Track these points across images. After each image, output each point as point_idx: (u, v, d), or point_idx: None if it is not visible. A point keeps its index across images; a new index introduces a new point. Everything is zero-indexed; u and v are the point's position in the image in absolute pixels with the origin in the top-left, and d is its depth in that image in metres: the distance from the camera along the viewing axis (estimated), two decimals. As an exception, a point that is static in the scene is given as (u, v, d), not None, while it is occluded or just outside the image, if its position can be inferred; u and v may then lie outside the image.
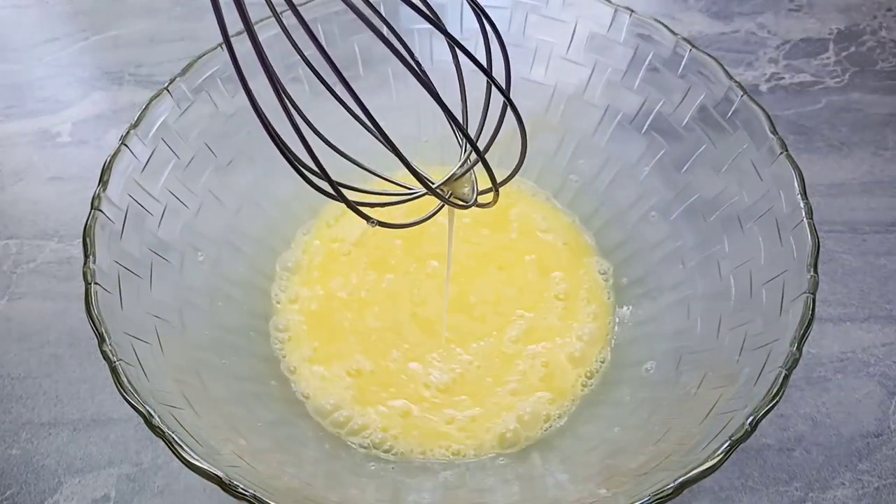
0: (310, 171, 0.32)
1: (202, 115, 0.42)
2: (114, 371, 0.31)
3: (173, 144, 0.40)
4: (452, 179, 0.33)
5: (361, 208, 0.32)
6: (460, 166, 0.33)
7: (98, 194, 0.35)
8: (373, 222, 0.33)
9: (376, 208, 0.34)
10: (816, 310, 0.33)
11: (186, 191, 0.41)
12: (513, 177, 0.35)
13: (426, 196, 0.33)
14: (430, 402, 0.43)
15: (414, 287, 0.48)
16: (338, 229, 0.51)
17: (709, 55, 0.42)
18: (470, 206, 0.34)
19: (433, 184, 0.32)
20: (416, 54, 0.48)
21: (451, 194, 0.34)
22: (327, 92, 0.48)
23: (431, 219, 0.35)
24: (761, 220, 0.38)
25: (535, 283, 0.48)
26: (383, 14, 0.46)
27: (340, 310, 0.47)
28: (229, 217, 0.45)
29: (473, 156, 0.32)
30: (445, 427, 0.42)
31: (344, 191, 0.32)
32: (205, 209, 0.43)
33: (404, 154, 0.32)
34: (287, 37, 0.31)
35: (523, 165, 0.52)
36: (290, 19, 0.44)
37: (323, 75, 0.48)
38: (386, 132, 0.32)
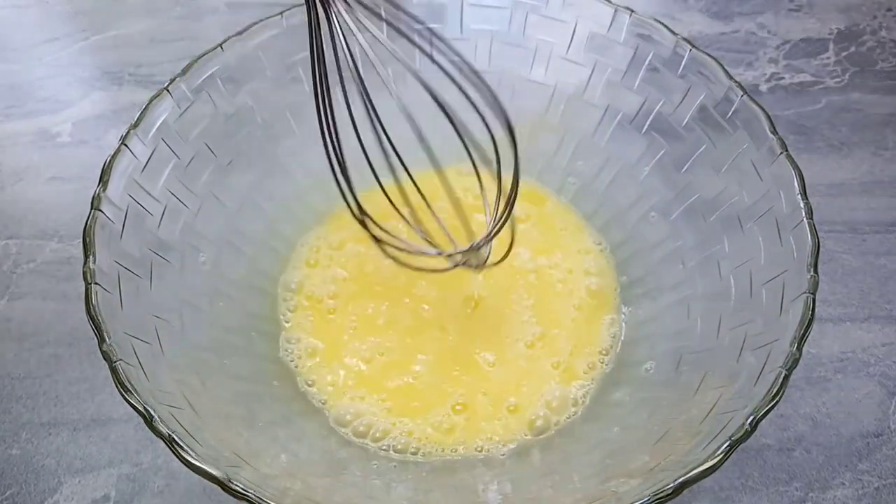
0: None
1: (202, 115, 0.42)
2: (114, 371, 0.31)
3: (173, 144, 0.40)
4: (473, 249, 0.39)
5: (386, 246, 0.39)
6: (482, 239, 0.39)
7: (98, 194, 0.35)
8: (389, 255, 0.39)
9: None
10: (816, 310, 0.33)
11: (186, 191, 0.41)
12: (504, 259, 0.40)
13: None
14: (462, 398, 0.43)
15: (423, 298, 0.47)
16: (337, 237, 0.50)
17: (709, 55, 0.42)
18: (474, 267, 0.41)
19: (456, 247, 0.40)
20: (416, 55, 0.48)
21: (466, 261, 0.40)
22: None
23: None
24: (761, 220, 0.38)
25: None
26: (383, 17, 0.47)
27: (351, 317, 0.46)
28: (229, 217, 0.45)
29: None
30: (480, 423, 0.43)
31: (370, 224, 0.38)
32: (205, 209, 0.43)
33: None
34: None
35: (524, 166, 0.52)
36: (292, 18, 0.45)
37: (322, 78, 0.48)
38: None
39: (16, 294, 0.50)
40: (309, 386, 0.44)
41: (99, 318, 0.32)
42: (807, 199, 0.36)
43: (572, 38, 0.47)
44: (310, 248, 0.49)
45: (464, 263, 0.40)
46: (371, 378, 0.44)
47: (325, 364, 0.44)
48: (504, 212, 0.38)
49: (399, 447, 0.41)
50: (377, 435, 0.42)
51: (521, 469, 0.40)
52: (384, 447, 0.41)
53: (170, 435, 0.29)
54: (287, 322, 0.46)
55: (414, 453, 0.41)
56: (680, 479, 0.28)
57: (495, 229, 0.39)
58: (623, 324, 0.46)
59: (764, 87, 0.63)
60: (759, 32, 0.68)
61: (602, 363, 0.45)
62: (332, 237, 0.50)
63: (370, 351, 0.45)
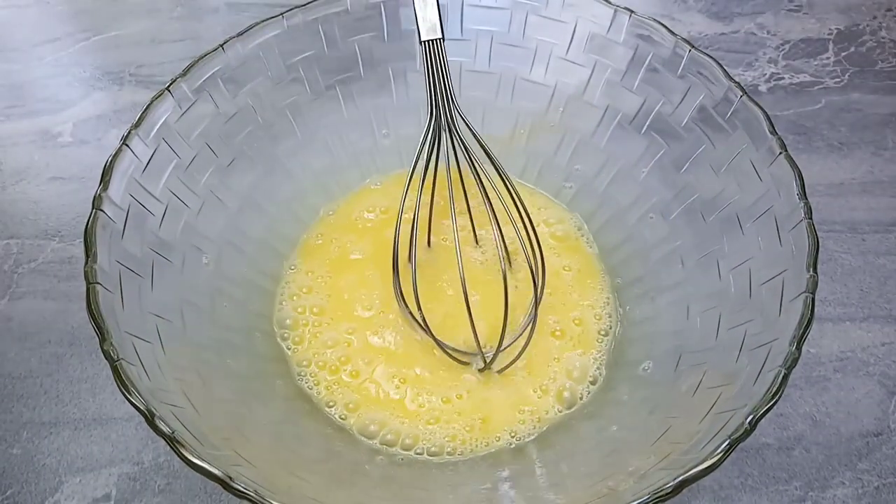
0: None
1: (203, 116, 0.42)
2: (115, 370, 0.31)
3: (174, 144, 0.40)
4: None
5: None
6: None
7: (99, 194, 0.35)
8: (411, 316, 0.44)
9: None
10: (816, 309, 0.33)
11: (188, 191, 0.41)
12: (512, 363, 0.44)
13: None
14: (480, 393, 0.44)
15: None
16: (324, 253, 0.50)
17: (708, 55, 0.42)
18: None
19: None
20: (417, 53, 0.48)
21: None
22: (327, 92, 0.49)
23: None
24: (760, 220, 0.38)
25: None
26: (384, 17, 0.47)
27: (357, 336, 0.46)
28: (230, 217, 0.45)
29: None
30: (505, 412, 0.43)
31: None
32: (206, 209, 0.43)
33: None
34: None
35: (524, 167, 0.52)
36: (292, 19, 0.45)
37: (322, 77, 0.48)
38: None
39: (17, 293, 0.51)
40: (329, 406, 0.43)
41: (100, 317, 0.32)
42: (806, 199, 0.36)
43: (572, 38, 0.47)
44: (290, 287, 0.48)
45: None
46: (386, 387, 0.44)
47: (342, 382, 0.44)
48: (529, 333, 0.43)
49: (433, 450, 0.41)
50: (407, 442, 0.41)
51: (522, 469, 0.40)
52: (418, 451, 0.41)
53: (171, 434, 0.29)
54: (290, 352, 0.45)
55: (454, 452, 0.41)
56: (679, 478, 0.29)
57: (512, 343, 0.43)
58: (616, 292, 0.47)
59: (763, 88, 0.63)
60: (759, 33, 0.68)
61: (604, 334, 0.46)
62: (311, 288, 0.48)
63: (381, 361, 0.45)
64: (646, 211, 0.46)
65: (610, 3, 0.45)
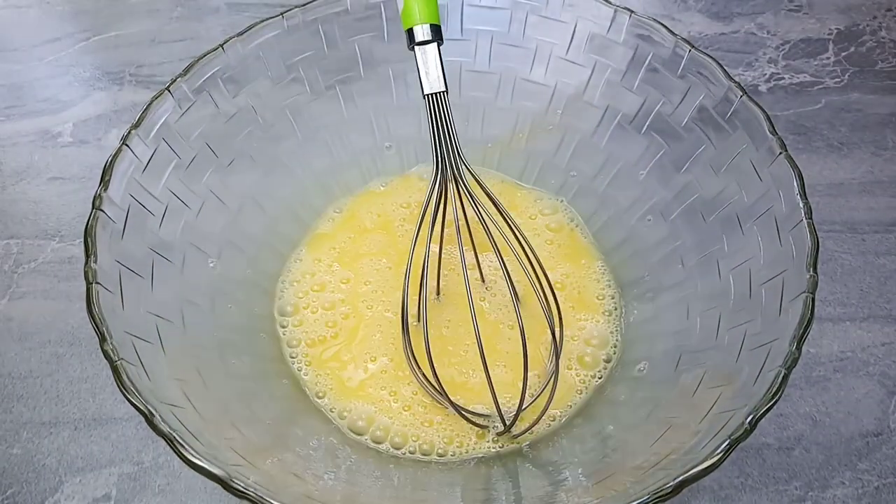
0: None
1: (203, 116, 0.42)
2: (115, 370, 0.31)
3: (174, 144, 0.40)
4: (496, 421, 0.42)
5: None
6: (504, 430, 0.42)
7: (99, 194, 0.35)
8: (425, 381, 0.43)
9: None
10: (816, 309, 0.33)
11: (188, 191, 0.41)
12: (531, 427, 0.42)
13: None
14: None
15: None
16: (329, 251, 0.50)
17: (708, 55, 0.42)
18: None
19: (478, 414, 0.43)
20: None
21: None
22: (327, 93, 0.49)
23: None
24: (761, 220, 0.38)
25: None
26: (384, 17, 0.47)
27: (358, 328, 0.46)
28: (230, 217, 0.45)
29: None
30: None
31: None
32: (206, 209, 0.43)
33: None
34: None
35: (524, 167, 0.52)
36: (292, 19, 0.45)
37: (322, 77, 0.48)
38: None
39: (17, 293, 0.51)
40: (319, 398, 0.43)
41: (100, 317, 0.32)
42: (806, 199, 0.36)
43: (572, 38, 0.47)
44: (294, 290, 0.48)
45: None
46: (389, 383, 0.44)
47: (342, 387, 0.44)
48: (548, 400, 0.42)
49: (440, 449, 0.41)
50: (423, 448, 0.42)
51: (519, 468, 0.40)
52: (438, 452, 0.41)
53: (171, 434, 0.29)
54: (292, 353, 0.45)
55: (460, 455, 0.41)
56: (679, 478, 0.29)
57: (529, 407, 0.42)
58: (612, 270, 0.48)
59: (763, 88, 0.63)
60: (759, 33, 0.68)
61: (608, 314, 0.46)
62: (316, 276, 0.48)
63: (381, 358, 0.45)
64: (646, 211, 0.46)
65: (610, 3, 0.45)
